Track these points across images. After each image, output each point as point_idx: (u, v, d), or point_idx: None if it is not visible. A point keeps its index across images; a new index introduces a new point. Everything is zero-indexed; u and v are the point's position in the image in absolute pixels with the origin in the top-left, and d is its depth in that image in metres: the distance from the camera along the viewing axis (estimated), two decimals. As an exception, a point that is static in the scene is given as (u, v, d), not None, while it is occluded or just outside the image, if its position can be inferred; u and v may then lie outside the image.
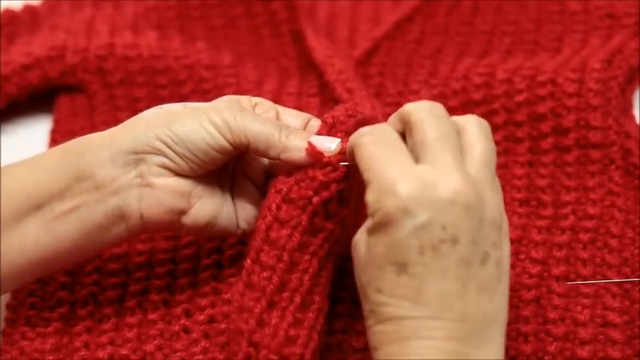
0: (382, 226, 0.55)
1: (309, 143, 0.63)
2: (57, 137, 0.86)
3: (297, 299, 0.61)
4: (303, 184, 0.62)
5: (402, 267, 0.54)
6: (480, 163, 0.57)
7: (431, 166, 0.55)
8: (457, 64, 0.87)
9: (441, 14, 0.93)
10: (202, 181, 0.65)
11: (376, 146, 0.57)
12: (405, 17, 0.92)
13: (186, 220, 0.65)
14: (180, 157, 0.63)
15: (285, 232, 0.61)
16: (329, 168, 0.62)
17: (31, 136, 0.88)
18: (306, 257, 0.62)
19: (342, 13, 0.95)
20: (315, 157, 0.63)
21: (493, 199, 0.57)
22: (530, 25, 0.91)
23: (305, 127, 0.67)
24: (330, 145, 0.63)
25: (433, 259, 0.54)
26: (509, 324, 0.66)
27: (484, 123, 0.59)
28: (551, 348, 0.65)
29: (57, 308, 0.70)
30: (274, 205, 0.62)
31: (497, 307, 0.56)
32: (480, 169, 0.57)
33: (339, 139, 0.63)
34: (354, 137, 0.59)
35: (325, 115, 0.66)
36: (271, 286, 0.60)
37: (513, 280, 0.69)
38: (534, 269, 0.70)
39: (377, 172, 0.56)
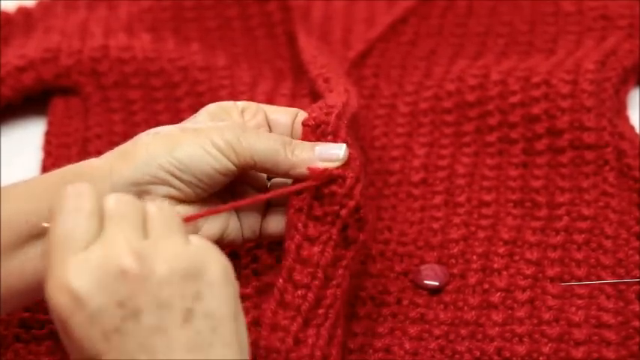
0: (61, 323, 0.50)
1: (309, 169, 0.62)
2: (51, 139, 0.85)
3: (332, 315, 0.61)
4: (324, 200, 0.62)
5: None
6: (162, 223, 0.53)
7: (101, 243, 0.51)
8: (451, 65, 0.87)
9: (436, 16, 0.93)
10: (207, 203, 0.63)
11: (62, 220, 0.52)
12: (400, 19, 0.92)
13: None
14: (185, 184, 0.62)
15: (316, 249, 0.61)
16: (340, 180, 0.62)
17: (25, 138, 0.87)
18: (340, 271, 0.62)
19: (336, 14, 0.95)
20: (321, 177, 0.62)
21: (174, 251, 0.52)
22: (525, 27, 0.91)
23: (293, 122, 0.66)
24: (338, 152, 0.63)
25: (122, 342, 0.50)
26: (503, 325, 0.66)
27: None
28: (546, 349, 0.65)
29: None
30: (300, 225, 0.62)
31: (219, 358, 0.52)
32: (161, 228, 0.53)
33: (344, 145, 0.63)
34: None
35: (305, 119, 0.65)
36: (306, 304, 0.60)
37: (508, 281, 0.69)
38: (529, 270, 0.70)
39: (52, 257, 0.52)
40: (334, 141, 0.64)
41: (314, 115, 0.65)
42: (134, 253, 0.51)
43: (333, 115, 0.65)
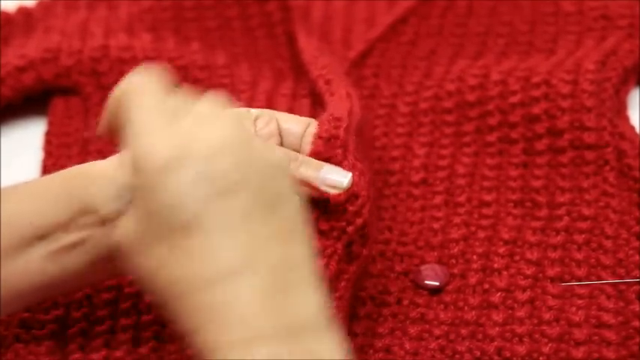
0: (149, 188, 0.52)
1: (315, 188, 0.62)
2: (52, 139, 0.85)
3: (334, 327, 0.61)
4: (332, 215, 0.62)
5: (183, 230, 0.51)
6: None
7: (195, 115, 0.53)
8: (451, 65, 0.87)
9: (436, 16, 0.93)
10: None
11: (140, 99, 0.55)
12: (400, 19, 0.92)
13: None
14: None
15: (320, 262, 0.61)
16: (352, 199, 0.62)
17: (25, 138, 0.87)
18: (342, 284, 0.62)
19: (336, 14, 0.95)
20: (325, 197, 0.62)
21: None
22: (525, 27, 0.91)
23: (304, 132, 0.66)
24: (342, 180, 0.63)
25: (222, 209, 0.51)
26: (503, 325, 0.66)
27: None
28: (546, 349, 0.65)
29: (52, 310, 0.70)
30: None
31: (298, 253, 0.52)
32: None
33: (350, 174, 0.63)
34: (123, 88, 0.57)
35: (318, 131, 0.65)
36: None
37: (508, 281, 0.69)
38: (529, 270, 0.70)
39: (137, 126, 0.53)
40: (343, 155, 0.64)
41: (325, 127, 0.65)
42: (235, 130, 0.52)
43: (342, 130, 0.65)
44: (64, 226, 0.60)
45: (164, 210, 0.51)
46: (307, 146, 0.66)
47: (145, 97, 0.55)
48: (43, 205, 0.61)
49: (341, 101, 0.73)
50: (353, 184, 0.62)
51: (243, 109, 0.67)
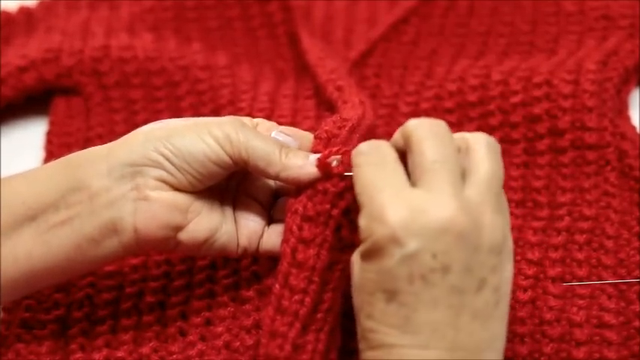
0: (372, 253, 0.54)
1: (318, 159, 0.62)
2: (53, 139, 0.85)
3: (331, 319, 0.61)
4: (316, 199, 0.62)
5: (391, 295, 0.54)
6: (483, 186, 0.56)
7: (425, 191, 0.54)
8: (453, 65, 0.87)
9: (437, 15, 0.93)
10: (201, 196, 0.64)
11: (371, 168, 0.56)
12: (401, 18, 0.92)
13: (183, 236, 0.63)
14: (179, 170, 0.62)
15: (312, 251, 0.61)
16: (336, 179, 0.62)
17: (27, 138, 0.88)
18: (337, 274, 0.62)
19: (338, 14, 0.95)
20: (324, 169, 0.62)
21: (494, 223, 0.55)
22: (526, 27, 0.91)
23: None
24: (331, 160, 0.63)
25: (423, 289, 0.53)
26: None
27: (492, 142, 0.58)
28: (547, 349, 0.65)
29: (53, 310, 0.70)
30: (295, 227, 0.62)
31: (493, 333, 0.55)
32: (482, 191, 0.55)
33: (338, 156, 0.62)
34: (353, 156, 0.58)
35: (318, 132, 0.66)
36: (304, 309, 0.60)
37: (509, 282, 0.69)
38: (530, 270, 0.70)
39: (369, 196, 0.55)
40: (338, 152, 0.64)
41: (326, 128, 0.65)
42: (462, 209, 0.53)
43: (346, 129, 0.65)
44: (54, 206, 0.62)
45: (381, 275, 0.54)
46: (306, 144, 0.66)
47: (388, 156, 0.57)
48: (37, 185, 0.63)
49: (354, 108, 0.73)
50: (340, 164, 0.62)
51: (246, 118, 0.67)
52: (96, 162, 0.63)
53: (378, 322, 0.54)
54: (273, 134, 0.65)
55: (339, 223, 0.62)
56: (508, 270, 0.57)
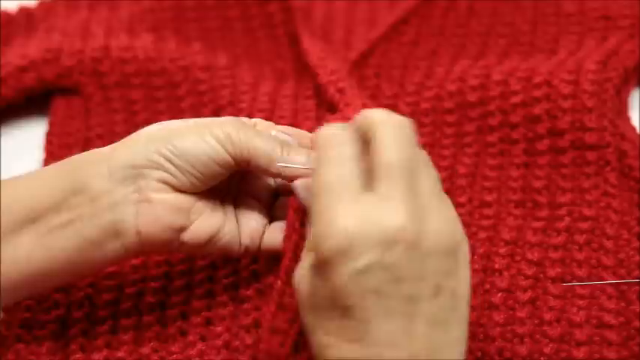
0: (322, 267, 0.53)
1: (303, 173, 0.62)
2: (53, 139, 0.85)
3: None
4: None
5: (345, 311, 0.52)
6: (431, 189, 0.55)
7: (378, 198, 0.52)
8: (453, 65, 0.87)
9: (437, 16, 0.93)
10: (203, 197, 0.64)
11: (328, 167, 0.54)
12: (401, 19, 0.92)
13: (186, 236, 0.63)
14: (181, 171, 0.62)
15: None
16: None
17: (26, 138, 0.88)
18: None
19: (337, 14, 0.95)
20: None
21: (444, 225, 0.54)
22: (526, 27, 0.91)
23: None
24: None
25: (377, 301, 0.52)
26: (504, 325, 0.66)
27: (399, 124, 0.55)
28: (547, 349, 0.65)
29: (53, 311, 0.70)
30: (297, 224, 0.62)
31: (452, 337, 0.54)
32: (432, 196, 0.54)
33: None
34: (315, 144, 0.57)
35: (316, 133, 0.66)
36: None
37: (509, 282, 0.69)
38: (530, 271, 0.70)
39: (320, 202, 0.53)
40: None
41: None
42: (411, 217, 0.52)
43: None
44: (55, 208, 0.62)
45: (334, 292, 0.53)
46: (305, 143, 0.66)
47: (339, 158, 0.55)
48: (38, 187, 0.63)
49: (355, 110, 0.73)
50: None
51: (244, 118, 0.67)
52: (97, 164, 0.62)
53: (335, 337, 0.53)
54: (272, 133, 0.65)
55: None
56: (463, 272, 0.55)
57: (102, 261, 0.63)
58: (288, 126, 0.68)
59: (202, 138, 0.62)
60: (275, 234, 0.66)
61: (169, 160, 0.62)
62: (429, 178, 0.55)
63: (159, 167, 0.62)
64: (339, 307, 0.52)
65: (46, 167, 0.66)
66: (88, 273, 0.68)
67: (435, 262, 0.53)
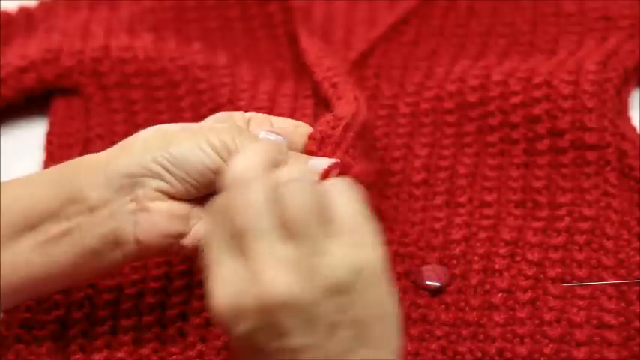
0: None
1: (324, 170, 0.61)
2: (53, 139, 0.85)
3: None
4: None
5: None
6: (314, 225, 0.51)
7: (251, 261, 0.51)
8: (453, 65, 0.87)
9: (437, 16, 0.93)
10: (200, 202, 0.63)
11: (217, 228, 0.53)
12: (401, 19, 0.92)
13: (186, 241, 0.63)
14: (177, 180, 0.62)
15: None
16: None
17: (26, 138, 0.87)
18: None
19: (337, 14, 0.95)
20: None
21: (335, 260, 0.51)
22: (526, 27, 0.91)
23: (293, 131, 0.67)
24: (330, 162, 0.62)
25: (266, 358, 0.51)
26: (505, 325, 0.66)
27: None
28: (547, 349, 0.65)
29: (53, 311, 0.70)
30: None
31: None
32: (318, 233, 0.51)
33: (337, 160, 0.62)
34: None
35: (312, 132, 0.66)
36: None
37: (509, 282, 0.69)
38: (530, 271, 0.70)
39: (209, 268, 0.52)
40: (333, 152, 0.64)
41: (320, 128, 0.66)
42: (286, 278, 0.50)
43: (340, 129, 0.65)
44: (53, 216, 0.61)
45: (234, 344, 0.52)
46: (299, 140, 0.66)
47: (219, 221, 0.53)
48: (36, 194, 0.62)
49: (348, 105, 0.73)
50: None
51: (238, 112, 0.67)
52: (93, 172, 0.62)
53: None
54: (262, 135, 0.65)
55: None
56: (374, 287, 0.52)
57: (102, 268, 0.63)
58: (289, 113, 0.68)
59: (199, 146, 0.62)
60: None
61: (166, 169, 0.62)
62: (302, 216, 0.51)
63: (156, 177, 0.62)
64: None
65: (42, 172, 0.66)
66: (88, 279, 0.68)
67: (324, 306, 0.50)
